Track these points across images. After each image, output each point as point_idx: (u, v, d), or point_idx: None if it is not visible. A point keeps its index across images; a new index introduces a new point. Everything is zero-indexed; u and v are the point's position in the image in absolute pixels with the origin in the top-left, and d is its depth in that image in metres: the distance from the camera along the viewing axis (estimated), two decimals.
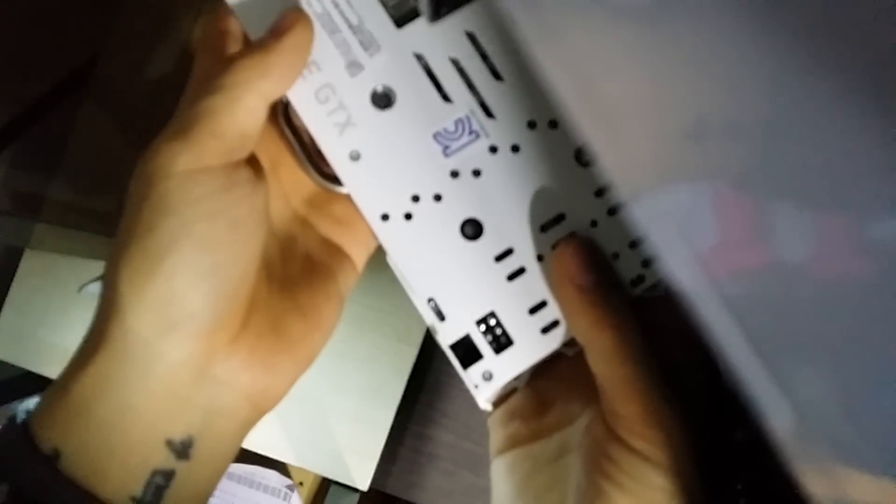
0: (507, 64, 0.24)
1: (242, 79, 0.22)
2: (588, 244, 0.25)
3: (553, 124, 0.25)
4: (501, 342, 0.25)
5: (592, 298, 0.24)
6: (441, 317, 0.25)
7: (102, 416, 0.21)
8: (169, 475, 0.21)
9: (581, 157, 0.25)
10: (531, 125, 0.25)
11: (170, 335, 0.21)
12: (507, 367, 0.26)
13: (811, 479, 0.17)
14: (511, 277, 0.25)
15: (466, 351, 0.25)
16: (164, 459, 0.21)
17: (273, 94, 0.23)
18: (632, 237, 0.25)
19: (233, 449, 0.23)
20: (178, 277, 0.21)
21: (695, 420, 0.24)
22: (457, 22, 0.24)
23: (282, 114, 0.26)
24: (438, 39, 0.24)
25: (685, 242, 0.17)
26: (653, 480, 0.23)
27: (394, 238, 0.25)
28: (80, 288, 0.35)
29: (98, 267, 0.39)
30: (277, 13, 0.23)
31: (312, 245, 0.27)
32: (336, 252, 0.27)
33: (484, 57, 0.25)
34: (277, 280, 0.25)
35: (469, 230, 0.25)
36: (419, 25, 0.24)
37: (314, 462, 0.51)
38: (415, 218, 0.25)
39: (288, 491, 0.54)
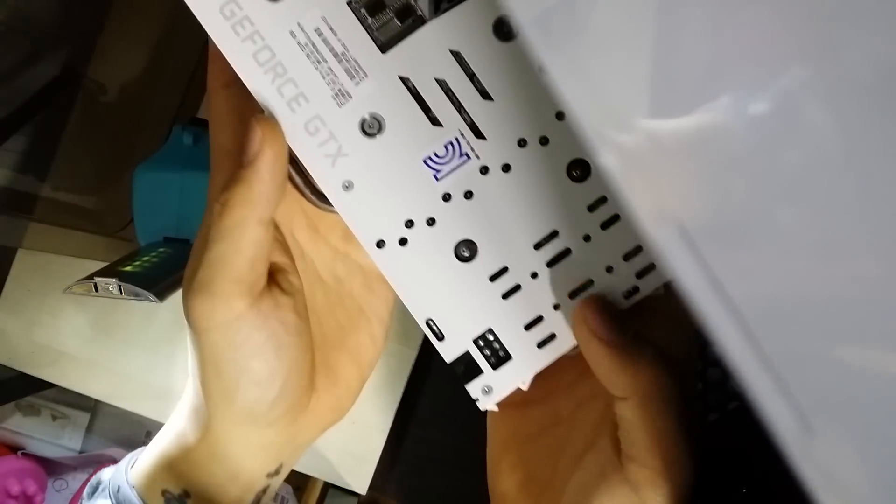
0: (494, 82, 0.24)
1: (236, 219, 0.24)
2: (603, 300, 0.25)
3: (544, 141, 0.25)
4: (499, 357, 0.26)
5: (625, 353, 0.24)
6: (440, 336, 0.26)
7: (219, 473, 0.27)
8: (266, 488, 0.28)
9: (573, 173, 0.25)
10: (521, 143, 0.25)
11: (258, 431, 0.26)
12: (506, 381, 0.26)
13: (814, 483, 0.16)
14: (506, 296, 0.26)
15: (466, 367, 0.26)
16: (264, 483, 0.28)
17: (269, 214, 0.24)
18: (625, 249, 0.25)
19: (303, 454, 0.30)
20: (251, 401, 0.25)
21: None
22: (441, 41, 0.24)
23: None
24: (424, 61, 0.24)
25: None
26: None
27: (390, 264, 0.25)
28: (66, 290, 0.35)
29: (91, 266, 0.39)
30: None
31: (356, 281, 0.29)
32: (376, 280, 0.29)
33: (471, 77, 0.24)
34: (330, 335, 0.28)
35: (463, 251, 0.25)
36: (404, 48, 0.24)
37: (312, 466, 0.51)
38: (410, 243, 0.25)
39: (286, 495, 0.53)
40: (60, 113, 0.47)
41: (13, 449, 0.61)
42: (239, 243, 0.24)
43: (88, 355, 0.55)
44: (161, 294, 0.36)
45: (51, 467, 0.62)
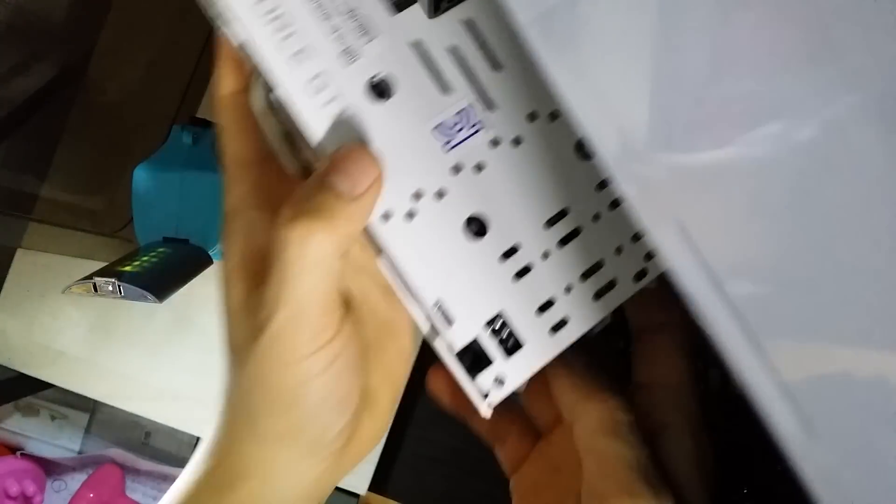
0: (506, 52, 0.24)
1: (324, 253, 0.22)
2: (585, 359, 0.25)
3: (553, 116, 0.24)
4: (511, 345, 0.24)
5: (577, 376, 0.25)
6: (449, 321, 0.24)
7: None
8: None
9: (582, 150, 0.24)
10: (532, 117, 0.24)
11: (315, 466, 0.24)
12: (519, 370, 0.25)
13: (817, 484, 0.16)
14: (517, 276, 0.24)
15: (475, 356, 0.24)
16: None
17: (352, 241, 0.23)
18: (633, 230, 0.25)
19: None
20: (321, 430, 0.24)
21: (681, 484, 0.24)
22: (457, 8, 0.23)
23: (264, 100, 0.24)
24: (436, 26, 0.23)
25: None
26: None
27: (396, 238, 0.24)
28: (65, 290, 0.35)
29: (91, 266, 0.39)
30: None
31: (377, 293, 0.26)
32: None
33: (483, 45, 0.24)
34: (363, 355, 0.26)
35: (473, 228, 0.24)
36: (417, 11, 0.23)
37: None
38: (417, 216, 0.24)
39: None
40: (60, 113, 0.47)
41: (12, 449, 0.61)
42: (329, 276, 0.22)
43: (88, 355, 0.55)
44: (161, 294, 0.35)
45: (50, 468, 0.61)
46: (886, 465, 0.17)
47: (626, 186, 0.17)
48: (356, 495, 0.51)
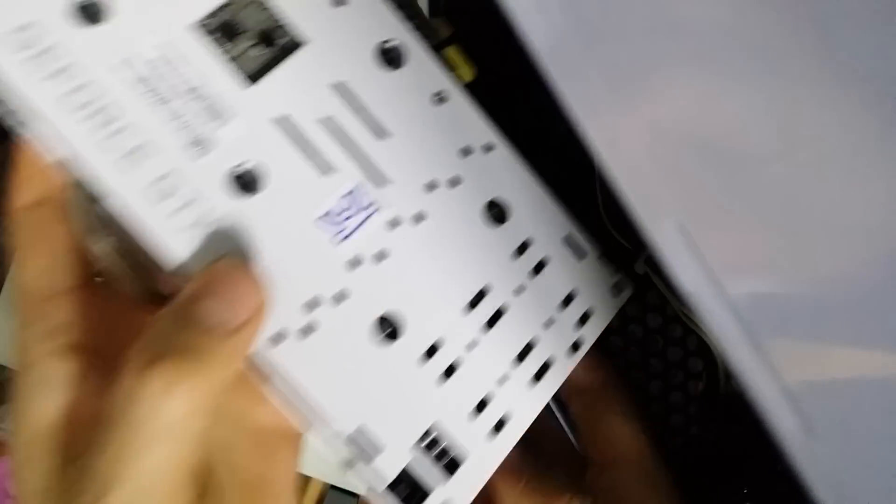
0: (389, 115, 0.21)
1: (193, 408, 0.16)
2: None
3: (454, 182, 0.22)
4: (449, 461, 0.21)
5: (528, 480, 0.23)
6: (377, 449, 0.20)
7: None
8: None
9: (491, 213, 0.22)
10: (431, 186, 0.21)
11: None
12: (465, 489, 0.21)
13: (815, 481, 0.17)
14: (445, 376, 0.21)
15: (411, 487, 0.20)
16: None
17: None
18: (560, 297, 0.23)
19: None
20: None
21: None
22: (320, 70, 0.20)
23: (87, 212, 0.19)
24: (302, 96, 0.20)
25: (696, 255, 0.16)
26: None
27: (295, 363, 0.19)
28: None
29: None
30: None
31: (245, 445, 0.20)
32: (273, 436, 0.21)
33: (360, 110, 0.21)
34: None
35: (385, 329, 0.20)
36: (275, 79, 0.20)
37: (311, 466, 0.50)
38: (317, 330, 0.19)
39: None
40: None
41: None
42: (190, 441, 0.17)
43: None
44: None
45: None
46: (887, 466, 0.17)
47: (627, 190, 0.17)
48: (356, 495, 0.51)
